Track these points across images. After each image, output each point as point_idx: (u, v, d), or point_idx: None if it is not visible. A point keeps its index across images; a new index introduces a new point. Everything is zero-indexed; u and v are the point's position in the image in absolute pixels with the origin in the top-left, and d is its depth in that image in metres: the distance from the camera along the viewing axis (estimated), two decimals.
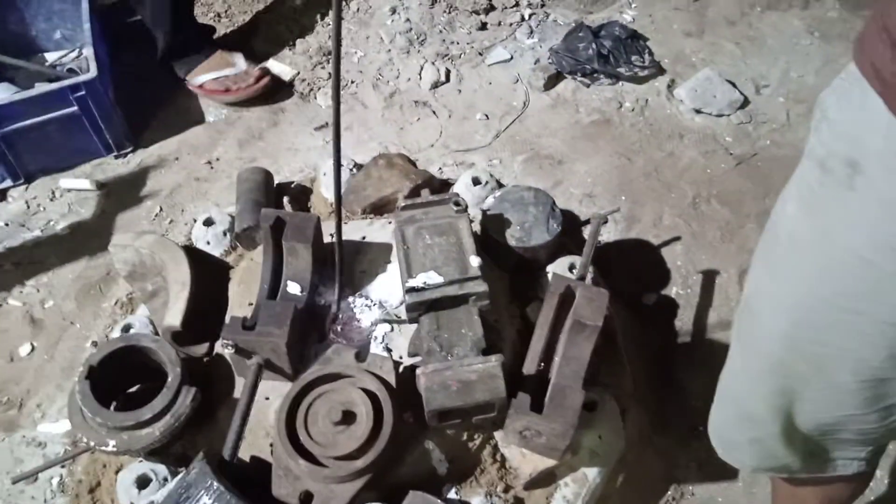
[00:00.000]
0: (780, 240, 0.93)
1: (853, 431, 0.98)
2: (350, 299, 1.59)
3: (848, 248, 0.80)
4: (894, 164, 0.74)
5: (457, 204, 1.60)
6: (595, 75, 2.48)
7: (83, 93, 2.12)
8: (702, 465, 1.70)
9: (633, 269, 2.03)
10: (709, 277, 2.00)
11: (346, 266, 1.63)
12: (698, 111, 2.39)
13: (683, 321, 1.93)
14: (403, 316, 1.51)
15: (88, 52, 2.21)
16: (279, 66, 2.56)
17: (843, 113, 0.81)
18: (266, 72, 2.46)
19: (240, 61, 2.43)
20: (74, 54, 2.47)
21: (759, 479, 1.66)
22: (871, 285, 0.80)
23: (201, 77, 2.41)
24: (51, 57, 2.50)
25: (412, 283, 1.46)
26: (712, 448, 1.69)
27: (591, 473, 1.47)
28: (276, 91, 2.50)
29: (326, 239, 1.67)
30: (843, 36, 2.63)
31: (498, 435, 1.47)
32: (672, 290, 1.99)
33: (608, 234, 2.10)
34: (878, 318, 0.81)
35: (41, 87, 2.15)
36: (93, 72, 2.13)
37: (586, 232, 1.99)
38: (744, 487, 1.66)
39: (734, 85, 2.44)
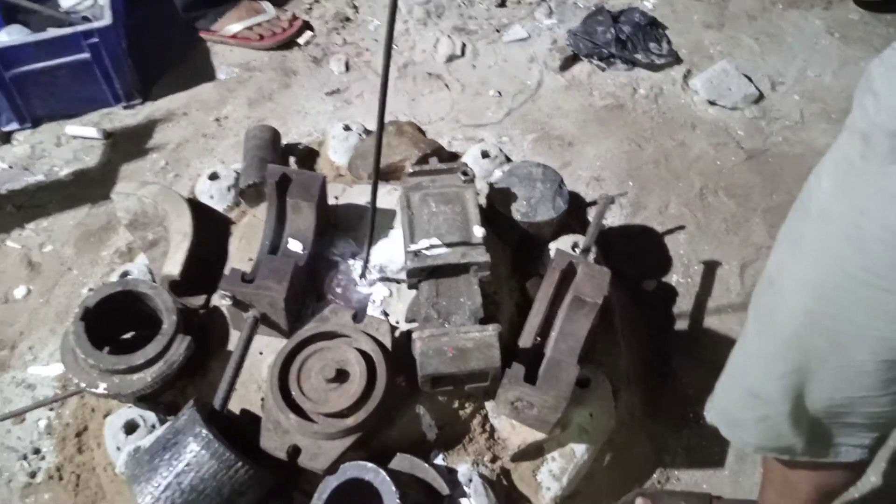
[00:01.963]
0: (810, 214, 0.92)
1: (863, 415, 0.98)
2: (350, 262, 1.59)
3: (884, 224, 0.79)
4: None
5: (465, 174, 1.58)
6: (611, 60, 2.46)
7: (96, 40, 2.11)
8: (689, 452, 1.70)
9: (635, 255, 2.03)
10: (710, 268, 1.99)
11: (350, 229, 1.63)
12: (712, 103, 2.38)
13: (682, 309, 1.93)
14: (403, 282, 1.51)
15: (104, 0, 2.19)
16: None
17: (891, 85, 0.79)
18: (295, 15, 2.48)
19: (269, 7, 2.45)
20: (90, 2, 2.44)
21: (745, 467, 1.67)
22: None
23: (233, 27, 2.40)
24: (66, 3, 2.47)
25: (414, 247, 1.46)
26: (701, 435, 1.71)
27: (579, 450, 1.47)
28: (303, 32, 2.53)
29: (331, 201, 1.67)
30: (864, 39, 2.61)
31: (489, 405, 1.47)
32: (673, 278, 1.98)
33: (613, 219, 2.09)
34: None
35: (54, 32, 2.13)
36: (107, 20, 2.12)
37: (591, 214, 1.99)
38: (730, 475, 1.66)
39: (750, 79, 2.42)
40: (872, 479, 1.65)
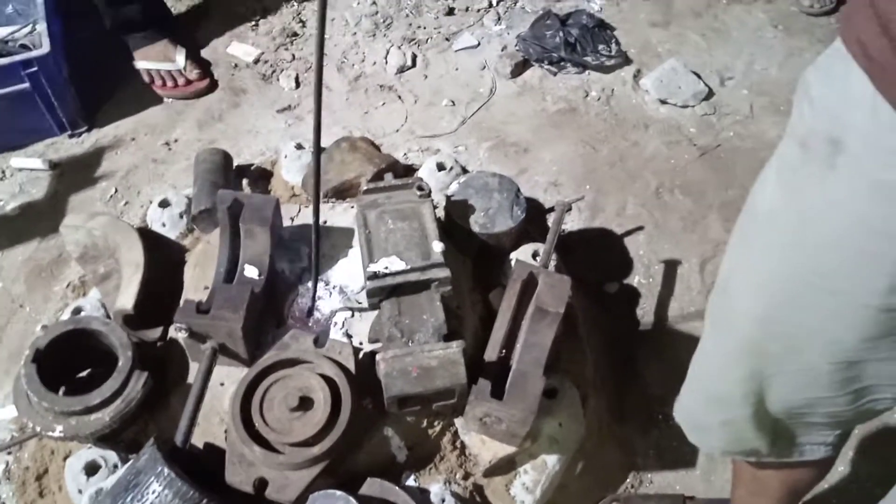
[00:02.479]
0: (757, 219, 0.92)
1: (822, 414, 0.98)
2: (309, 284, 1.56)
3: (827, 228, 0.79)
4: (878, 142, 0.72)
5: (420, 188, 1.57)
6: (562, 63, 2.47)
7: (35, 69, 2.05)
8: (660, 453, 1.70)
9: (595, 258, 2.03)
10: (671, 267, 2.01)
11: (306, 251, 1.61)
12: (663, 102, 2.40)
13: (645, 310, 1.94)
14: (364, 301, 1.49)
15: (42, 27, 2.14)
16: (241, 48, 2.50)
17: (826, 90, 0.79)
18: (204, 75, 2.40)
19: (180, 58, 2.36)
20: (27, 29, 2.37)
21: (716, 466, 1.68)
22: (848, 266, 0.79)
23: (141, 63, 2.35)
24: (1, 32, 2.40)
25: (373, 267, 1.44)
26: (671, 436, 1.71)
27: (551, 460, 1.47)
28: (213, 90, 2.42)
29: (286, 223, 1.64)
30: (807, 30, 2.65)
31: (458, 422, 1.45)
32: (634, 280, 1.99)
33: (572, 223, 2.10)
34: (855, 298, 0.80)
35: None
36: (45, 47, 2.06)
37: (550, 220, 1.99)
38: (701, 475, 1.67)
39: (699, 76, 2.45)
40: (841, 468, 1.68)
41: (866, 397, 0.93)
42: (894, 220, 0.74)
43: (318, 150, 1.15)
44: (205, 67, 2.43)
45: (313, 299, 1.49)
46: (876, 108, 0.72)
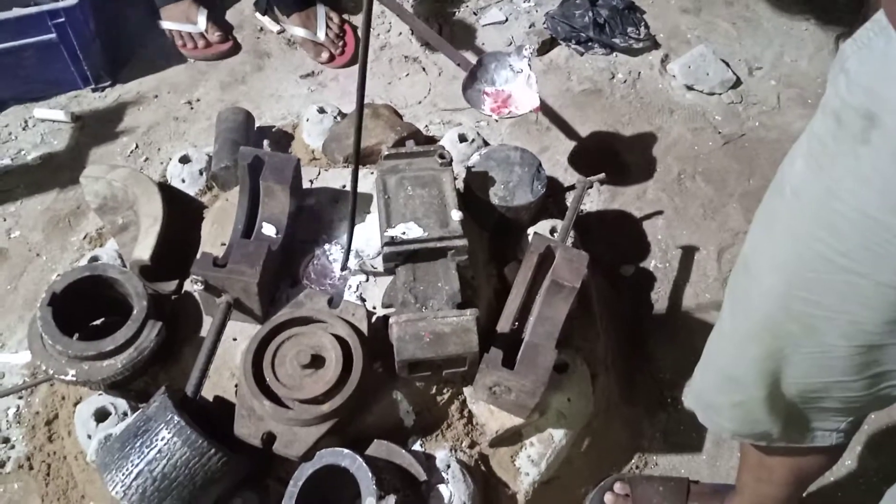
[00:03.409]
0: (784, 195, 0.90)
1: (837, 399, 0.97)
2: (326, 246, 1.56)
3: (856, 206, 0.78)
4: None
5: (441, 157, 1.56)
6: (589, 44, 2.44)
7: (62, 20, 2.05)
8: (667, 437, 1.70)
9: (613, 240, 2.02)
10: (688, 253, 1.99)
11: (324, 213, 1.60)
12: (690, 88, 2.37)
13: (659, 295, 1.93)
14: (379, 266, 1.48)
15: None
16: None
17: (863, 63, 0.77)
18: (226, 38, 2.39)
19: (201, 20, 2.34)
20: None
21: (722, 452, 1.67)
22: (876, 246, 0.77)
23: (165, 23, 2.34)
24: None
25: (391, 232, 1.43)
26: (679, 420, 1.71)
27: (558, 435, 1.47)
28: (237, 52, 2.42)
29: (306, 184, 1.64)
30: (838, 23, 2.61)
31: (467, 391, 1.45)
32: (651, 264, 1.98)
33: (591, 204, 2.08)
34: (881, 280, 0.79)
35: (18, 11, 2.07)
36: None
37: (569, 199, 1.98)
38: (707, 460, 1.67)
39: (727, 64, 2.42)
40: (848, 462, 1.67)
41: (884, 383, 0.92)
42: None
43: (362, 103, 1.14)
44: (227, 30, 2.42)
45: (347, 253, 1.46)
46: None
